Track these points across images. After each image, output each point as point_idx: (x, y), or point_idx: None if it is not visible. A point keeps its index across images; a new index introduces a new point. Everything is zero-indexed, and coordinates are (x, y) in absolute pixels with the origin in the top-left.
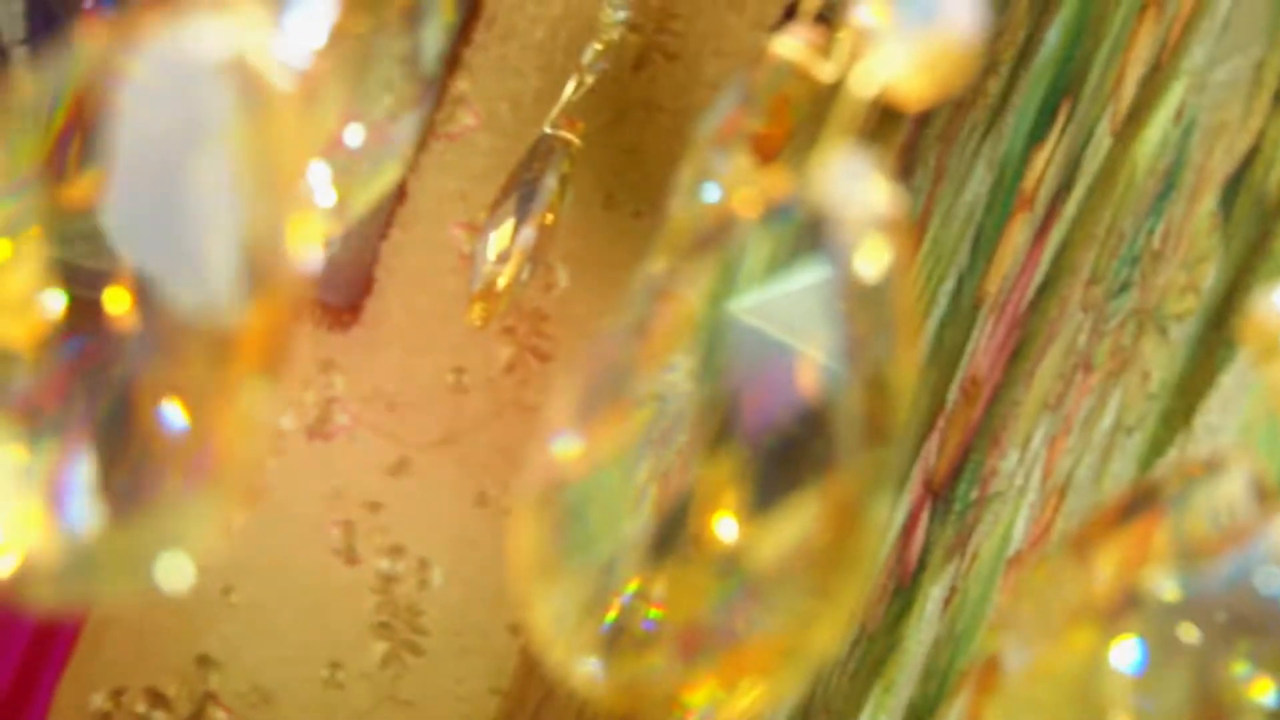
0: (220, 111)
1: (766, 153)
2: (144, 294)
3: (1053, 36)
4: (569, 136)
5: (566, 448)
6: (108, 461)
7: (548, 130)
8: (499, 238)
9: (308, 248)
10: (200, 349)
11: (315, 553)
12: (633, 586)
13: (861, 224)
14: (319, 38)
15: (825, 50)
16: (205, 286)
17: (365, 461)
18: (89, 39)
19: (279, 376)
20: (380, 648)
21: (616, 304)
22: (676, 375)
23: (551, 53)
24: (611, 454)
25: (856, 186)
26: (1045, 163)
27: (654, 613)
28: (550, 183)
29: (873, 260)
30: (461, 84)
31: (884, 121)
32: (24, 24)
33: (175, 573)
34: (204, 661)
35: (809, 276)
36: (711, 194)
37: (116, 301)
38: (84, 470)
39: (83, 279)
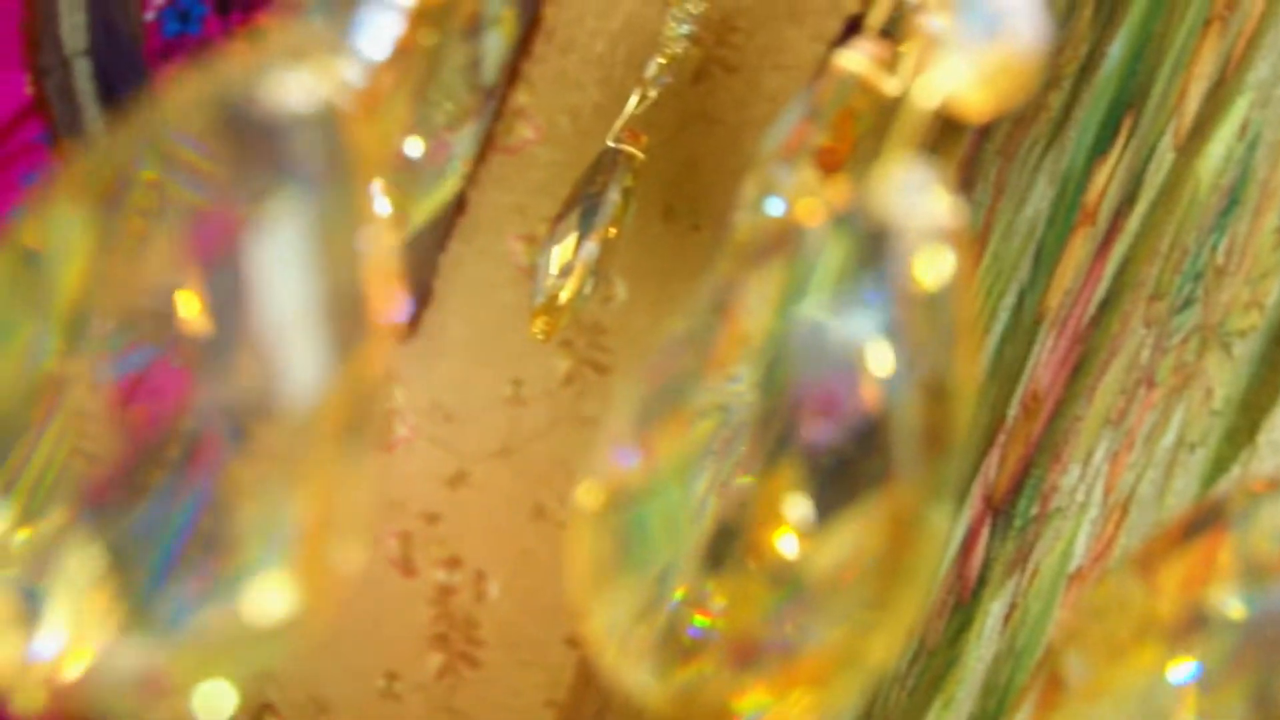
0: (303, 168)
1: (831, 166)
2: (217, 367)
3: (1116, 50)
4: (632, 150)
5: (625, 460)
6: (183, 562)
7: (611, 144)
8: (562, 251)
9: (390, 313)
10: (281, 426)
11: (373, 563)
12: (680, 594)
13: (923, 235)
14: (383, 52)
15: (890, 64)
16: (284, 356)
17: (423, 473)
18: (162, 93)
19: (366, 454)
20: (436, 659)
21: (675, 315)
22: (739, 386)
23: (611, 66)
24: (671, 465)
25: (918, 198)
26: (1108, 177)
27: (700, 620)
28: (614, 196)
29: (933, 272)
30: (521, 97)
31: (945, 134)
32: (86, 35)
33: (214, 703)
34: (260, 673)
35: (870, 287)
36: (776, 208)
37: (189, 380)
38: (162, 567)
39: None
